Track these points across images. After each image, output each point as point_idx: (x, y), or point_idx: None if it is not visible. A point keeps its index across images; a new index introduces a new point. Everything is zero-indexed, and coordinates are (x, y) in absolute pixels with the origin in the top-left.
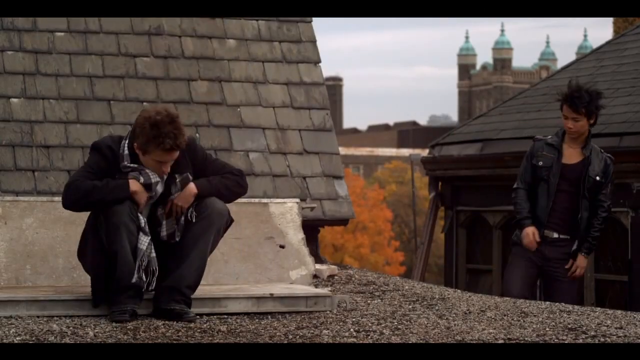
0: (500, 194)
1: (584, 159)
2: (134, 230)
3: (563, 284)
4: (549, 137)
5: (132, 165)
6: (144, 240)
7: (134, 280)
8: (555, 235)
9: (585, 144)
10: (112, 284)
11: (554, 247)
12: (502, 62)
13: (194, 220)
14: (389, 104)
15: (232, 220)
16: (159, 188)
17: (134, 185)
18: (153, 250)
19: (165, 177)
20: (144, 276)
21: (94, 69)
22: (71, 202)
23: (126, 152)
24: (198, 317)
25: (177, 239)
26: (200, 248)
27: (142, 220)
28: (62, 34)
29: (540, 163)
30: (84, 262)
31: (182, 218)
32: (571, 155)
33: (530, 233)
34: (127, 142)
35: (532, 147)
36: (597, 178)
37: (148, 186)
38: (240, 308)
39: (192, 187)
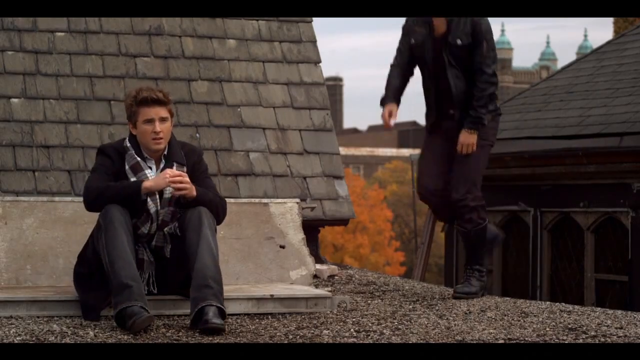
0: (500, 194)
1: (448, 26)
2: (130, 235)
3: (463, 157)
4: None
5: (136, 157)
6: (140, 251)
7: (130, 281)
8: (451, 111)
9: None
10: (111, 284)
11: (452, 120)
12: (502, 62)
13: (178, 233)
14: None
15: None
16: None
17: (148, 182)
18: (149, 255)
19: (162, 164)
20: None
21: (94, 69)
22: (88, 203)
23: (128, 144)
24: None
25: (167, 254)
26: (204, 236)
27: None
28: (62, 34)
29: (413, 41)
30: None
31: (171, 228)
32: (440, 25)
33: (385, 114)
34: (127, 138)
35: (406, 23)
36: (459, 42)
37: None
38: (240, 309)
39: (193, 187)
